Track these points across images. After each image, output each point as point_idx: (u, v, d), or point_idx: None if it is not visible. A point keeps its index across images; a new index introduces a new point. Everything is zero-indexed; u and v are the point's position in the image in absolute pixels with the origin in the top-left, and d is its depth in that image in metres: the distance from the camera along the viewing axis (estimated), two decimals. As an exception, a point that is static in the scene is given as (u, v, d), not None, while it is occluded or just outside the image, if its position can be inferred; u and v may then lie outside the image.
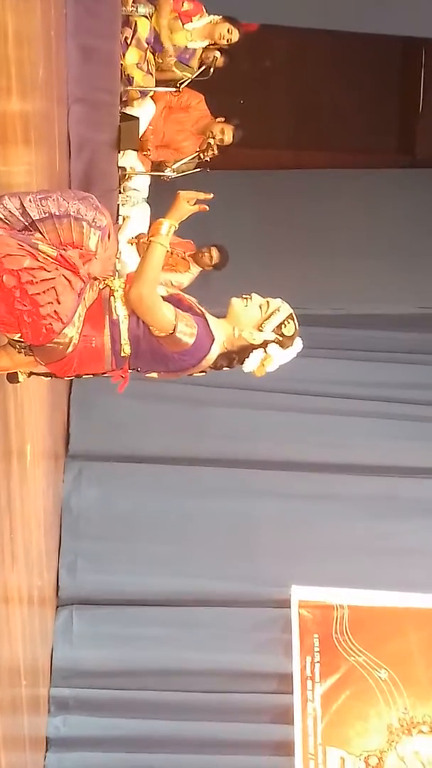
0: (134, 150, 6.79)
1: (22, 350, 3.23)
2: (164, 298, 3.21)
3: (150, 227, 3.23)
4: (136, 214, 6.91)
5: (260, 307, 3.31)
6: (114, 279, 3.27)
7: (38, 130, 5.11)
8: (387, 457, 7.09)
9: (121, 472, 6.81)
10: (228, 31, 7.00)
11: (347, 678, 6.08)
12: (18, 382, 3.42)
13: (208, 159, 7.04)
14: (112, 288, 3.23)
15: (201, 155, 7.00)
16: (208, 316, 3.28)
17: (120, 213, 6.75)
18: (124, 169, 6.70)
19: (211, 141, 6.97)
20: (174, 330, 3.16)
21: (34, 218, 3.16)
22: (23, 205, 3.16)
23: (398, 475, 7.04)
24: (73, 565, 6.38)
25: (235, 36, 7.05)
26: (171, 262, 7.17)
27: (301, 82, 9.32)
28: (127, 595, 6.33)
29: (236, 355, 3.33)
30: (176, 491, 6.70)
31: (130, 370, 3.30)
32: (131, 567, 6.41)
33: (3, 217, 3.15)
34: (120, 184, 6.71)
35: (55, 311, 3.09)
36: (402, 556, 6.55)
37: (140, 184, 7.04)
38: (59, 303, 3.09)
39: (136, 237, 6.72)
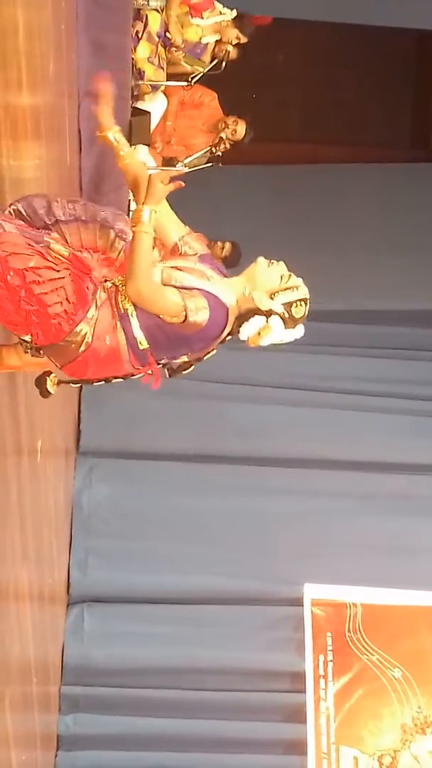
0: (145, 145, 6.79)
1: (28, 351, 3.21)
2: (164, 282, 3.15)
3: (131, 217, 3.11)
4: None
5: (281, 276, 3.25)
6: (118, 276, 3.23)
7: (49, 124, 5.09)
8: (402, 454, 7.06)
9: (133, 469, 6.79)
10: (237, 36, 7.04)
11: (360, 677, 6.06)
12: (49, 394, 3.35)
13: (220, 153, 7.04)
14: (116, 284, 3.18)
15: (213, 149, 7.00)
16: (215, 284, 3.20)
17: (131, 209, 6.75)
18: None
19: (223, 135, 6.98)
20: (186, 312, 3.10)
21: (59, 218, 3.16)
22: (50, 205, 3.16)
23: (414, 472, 7.02)
24: (84, 563, 6.36)
25: (243, 39, 7.08)
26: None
27: (315, 75, 9.33)
28: (139, 593, 6.32)
29: (238, 320, 3.26)
30: (188, 488, 6.68)
31: (158, 365, 3.26)
32: (143, 565, 6.40)
33: (25, 214, 3.14)
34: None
35: (65, 311, 3.07)
36: (416, 554, 6.53)
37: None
38: (69, 302, 3.08)
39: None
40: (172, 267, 3.22)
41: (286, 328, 3.25)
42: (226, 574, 6.37)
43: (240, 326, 3.25)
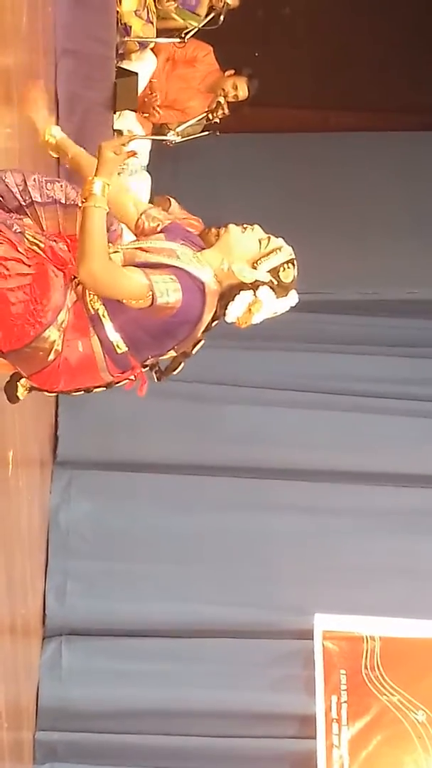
0: (132, 110, 6.81)
1: None
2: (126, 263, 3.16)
3: (82, 191, 3.13)
4: (135, 184, 6.93)
5: (260, 241, 3.31)
6: None
7: (22, 87, 5.07)
8: (423, 464, 7.02)
9: (117, 481, 6.78)
10: None
11: (379, 720, 6.04)
12: (18, 399, 3.36)
13: (217, 120, 7.05)
14: None
15: (210, 116, 7.00)
16: (185, 262, 3.24)
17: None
18: (120, 132, 6.72)
19: (222, 99, 6.98)
20: (152, 292, 3.09)
21: (34, 199, 3.18)
22: (26, 182, 3.20)
23: (435, 485, 7.04)
24: (61, 590, 6.36)
25: None
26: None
27: (327, 30, 9.32)
28: (124, 624, 6.31)
29: (222, 300, 3.29)
30: (180, 504, 6.68)
31: (144, 368, 3.29)
32: (129, 591, 6.38)
33: None
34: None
35: (31, 312, 3.08)
36: (443, 580, 6.55)
37: (139, 150, 7.07)
38: (37, 302, 3.08)
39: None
40: (135, 248, 3.25)
41: (277, 297, 3.31)
42: (224, 602, 6.36)
43: (226, 307, 3.29)
